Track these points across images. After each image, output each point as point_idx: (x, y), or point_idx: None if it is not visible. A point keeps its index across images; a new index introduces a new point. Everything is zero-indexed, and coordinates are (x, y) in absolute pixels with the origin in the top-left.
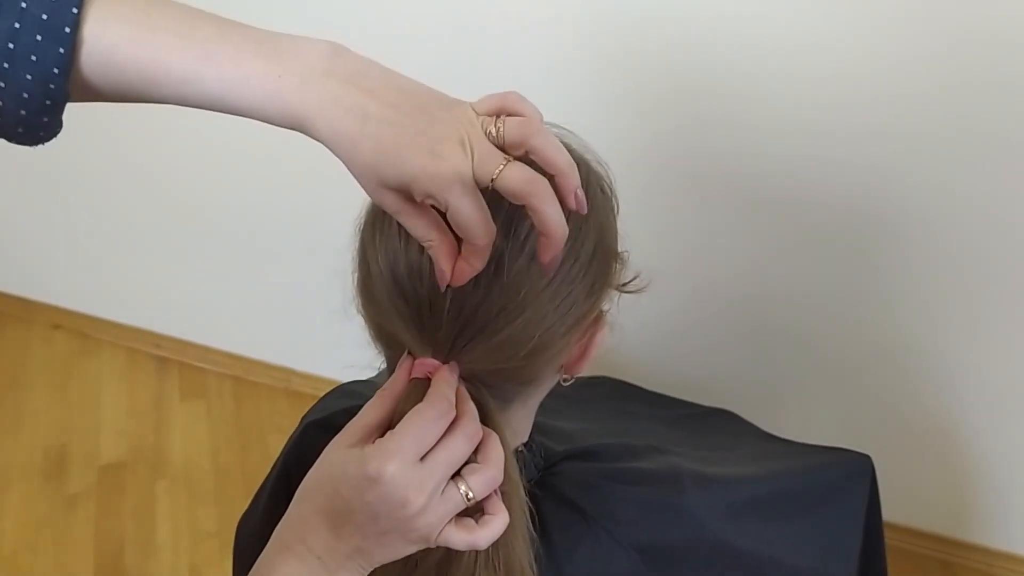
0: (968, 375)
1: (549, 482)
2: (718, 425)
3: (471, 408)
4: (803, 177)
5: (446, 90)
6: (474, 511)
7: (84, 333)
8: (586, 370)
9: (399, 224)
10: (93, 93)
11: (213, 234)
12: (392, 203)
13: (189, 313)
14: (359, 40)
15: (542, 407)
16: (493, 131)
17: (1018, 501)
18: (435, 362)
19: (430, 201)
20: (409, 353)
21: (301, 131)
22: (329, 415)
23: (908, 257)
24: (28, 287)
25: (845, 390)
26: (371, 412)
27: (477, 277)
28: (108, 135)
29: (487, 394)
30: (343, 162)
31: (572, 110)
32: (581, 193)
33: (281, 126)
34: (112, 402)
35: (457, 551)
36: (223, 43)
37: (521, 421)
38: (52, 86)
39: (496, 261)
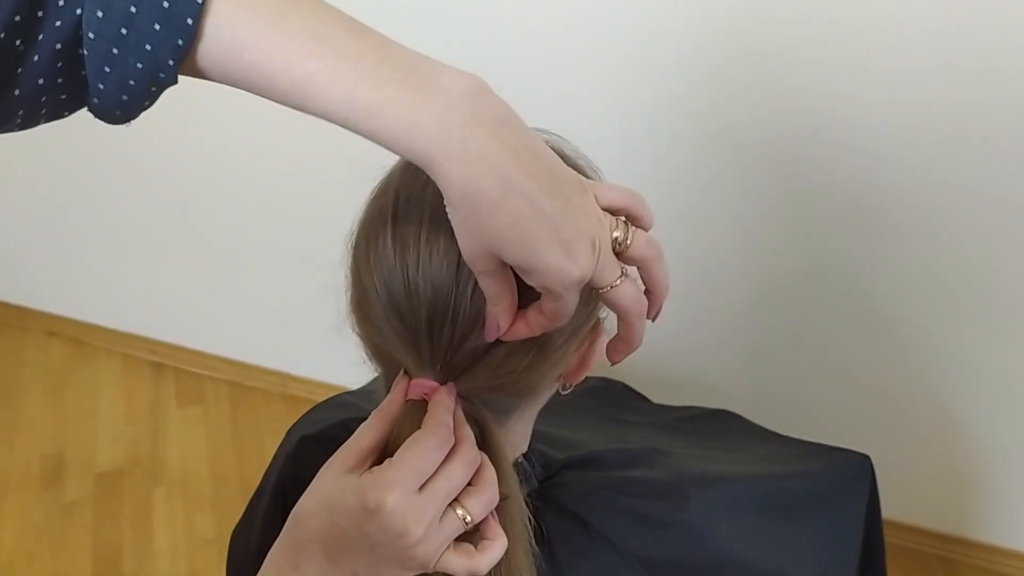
0: (970, 373)
1: (550, 493)
2: (718, 425)
3: (469, 433)
4: (804, 173)
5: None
6: (472, 534)
7: (79, 340)
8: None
9: (393, 242)
10: (201, 76)
11: (208, 239)
12: (486, 268)
13: (184, 319)
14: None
15: (540, 413)
16: (619, 236)
17: (1020, 497)
18: (432, 383)
19: (541, 289)
20: (405, 373)
21: (427, 171)
22: (322, 429)
23: (909, 256)
24: (22, 295)
25: (846, 388)
26: (367, 435)
27: (474, 292)
28: (103, 143)
29: (484, 410)
30: (460, 216)
31: (566, 113)
32: (663, 311)
33: (405, 158)
34: (108, 409)
35: None
36: (358, 59)
37: (519, 433)
38: (162, 75)
39: None
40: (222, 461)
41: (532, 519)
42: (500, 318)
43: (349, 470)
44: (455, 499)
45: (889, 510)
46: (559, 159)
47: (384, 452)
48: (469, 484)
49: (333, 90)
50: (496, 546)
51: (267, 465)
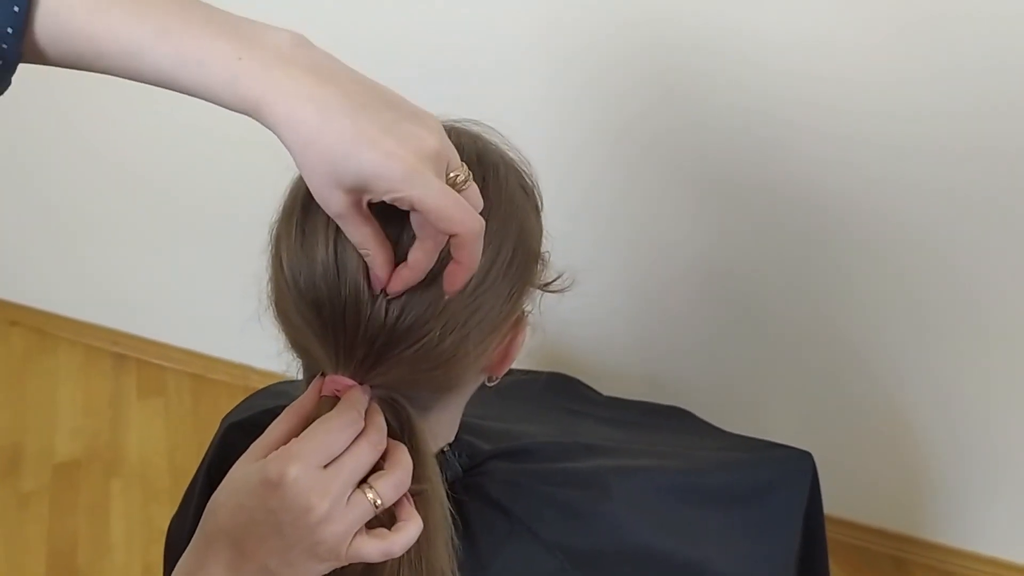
0: (920, 375)
1: (475, 482)
2: (668, 421)
3: (379, 421)
4: (770, 173)
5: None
6: (387, 522)
7: (41, 330)
8: (538, 364)
9: (305, 235)
10: (43, 58)
11: (172, 230)
12: (340, 209)
13: (148, 310)
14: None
15: (482, 405)
16: (460, 176)
17: (970, 498)
18: (346, 380)
19: (390, 199)
20: (321, 374)
21: (256, 117)
22: (251, 416)
23: (866, 261)
24: None
25: (799, 386)
26: (277, 430)
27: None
28: (65, 126)
29: (406, 404)
30: (295, 154)
31: (528, 103)
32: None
33: (234, 110)
34: (68, 400)
35: (378, 564)
36: (182, 18)
37: (444, 425)
38: (4, 46)
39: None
40: (182, 454)
41: (453, 512)
42: (375, 267)
43: (257, 460)
44: (366, 482)
45: (841, 508)
46: (396, 93)
47: None
48: (382, 468)
49: (159, 46)
50: (411, 526)
51: None
